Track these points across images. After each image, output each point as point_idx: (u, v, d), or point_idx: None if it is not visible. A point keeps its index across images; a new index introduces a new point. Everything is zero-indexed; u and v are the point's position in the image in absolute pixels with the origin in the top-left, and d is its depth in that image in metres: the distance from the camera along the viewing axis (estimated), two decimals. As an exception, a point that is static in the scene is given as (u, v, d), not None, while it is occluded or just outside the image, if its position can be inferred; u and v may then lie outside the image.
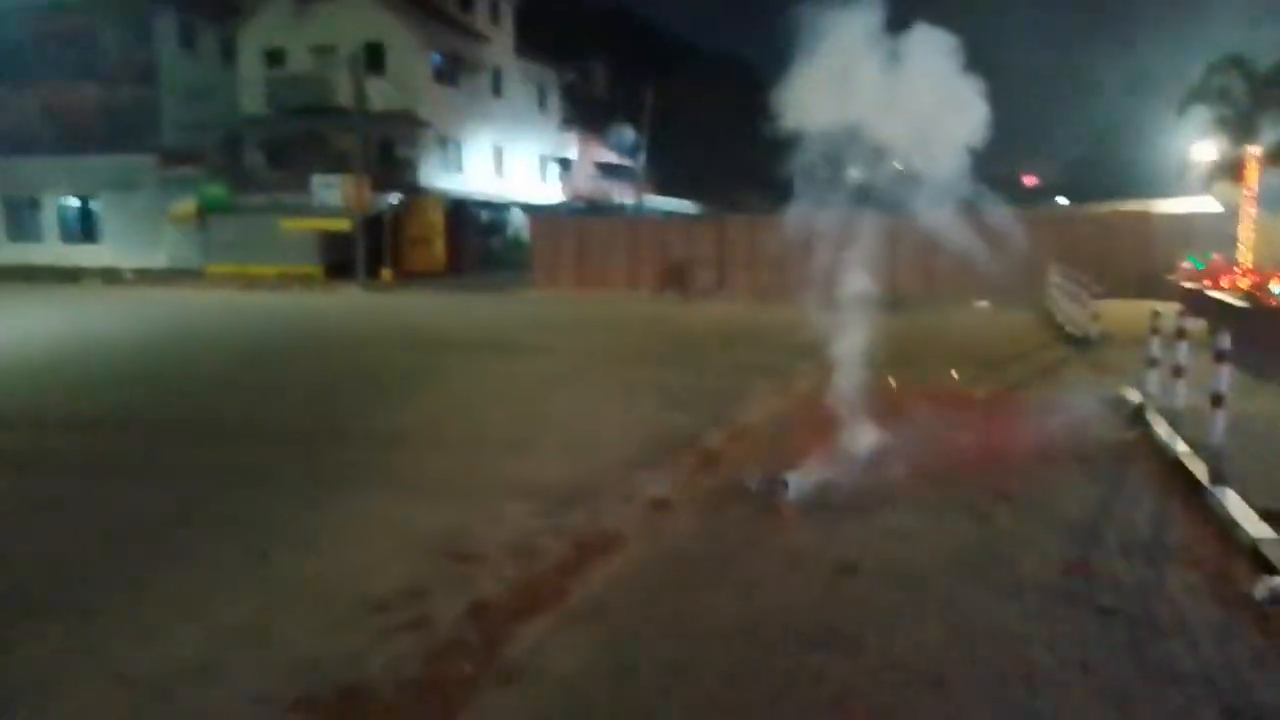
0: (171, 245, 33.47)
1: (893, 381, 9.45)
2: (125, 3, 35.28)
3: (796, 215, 7.41)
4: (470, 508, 5.98)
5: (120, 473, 7.05)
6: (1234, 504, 5.54)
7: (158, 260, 33.54)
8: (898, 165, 8.29)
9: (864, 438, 6.99)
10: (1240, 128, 18.34)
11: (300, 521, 5.76)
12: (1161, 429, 7.55)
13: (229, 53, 35.61)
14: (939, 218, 8.35)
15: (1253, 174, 17.97)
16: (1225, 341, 6.48)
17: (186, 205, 32.05)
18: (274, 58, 34.21)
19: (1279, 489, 5.74)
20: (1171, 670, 3.72)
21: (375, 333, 17.39)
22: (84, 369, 12.56)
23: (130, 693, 3.65)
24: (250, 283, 29.14)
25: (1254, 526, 5.12)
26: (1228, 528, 5.27)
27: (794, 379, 10.42)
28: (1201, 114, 18.77)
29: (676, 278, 26.43)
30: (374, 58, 32.17)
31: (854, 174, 9.24)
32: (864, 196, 8.63)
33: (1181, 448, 6.92)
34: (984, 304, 19.77)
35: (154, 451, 7.78)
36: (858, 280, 8.35)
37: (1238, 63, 18.19)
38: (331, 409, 9.69)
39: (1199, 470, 6.28)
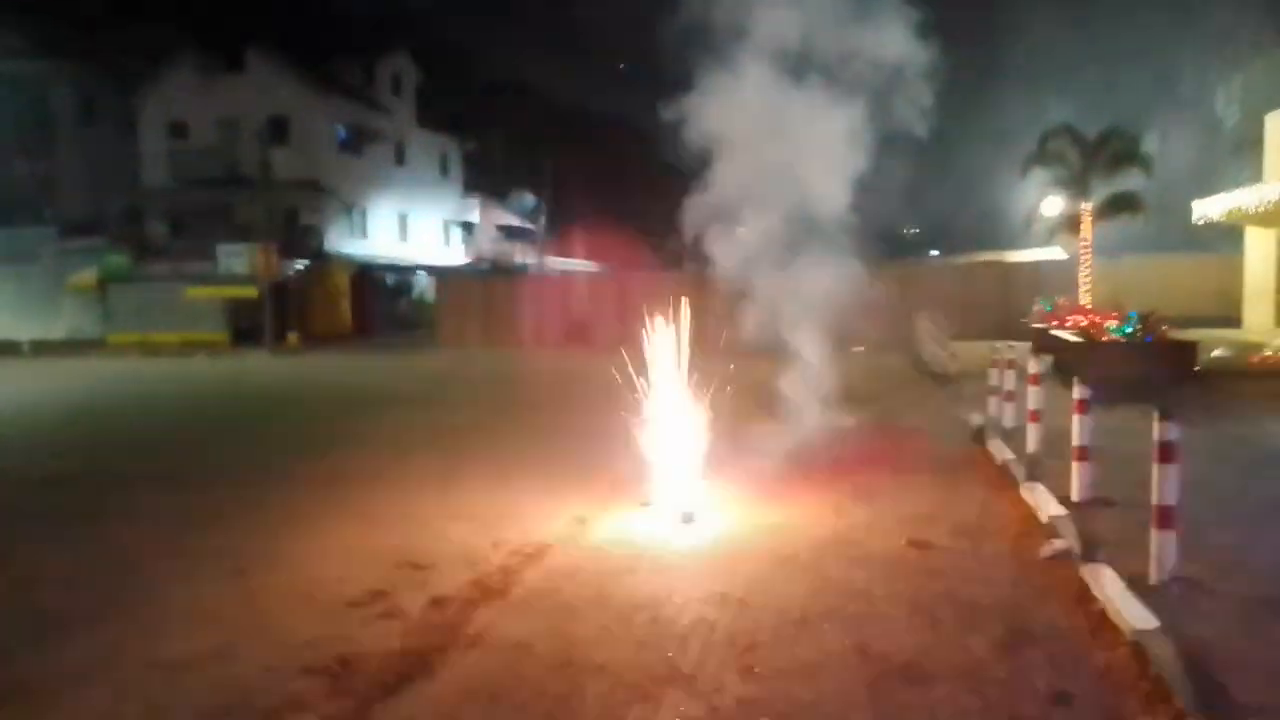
0: (70, 316, 33.03)
1: (767, 413, 10.77)
2: (22, 77, 35.09)
3: (691, 271, 8.71)
4: (416, 530, 6.93)
5: (102, 518, 7.71)
6: (1040, 494, 6.96)
7: (56, 331, 32.98)
8: (743, 231, 9.60)
9: (754, 459, 8.23)
10: (1075, 186, 20.80)
11: (268, 547, 6.60)
12: (994, 443, 9.06)
13: (130, 124, 35.64)
14: (820, 273, 9.76)
15: (1087, 227, 20.39)
16: (1043, 368, 8.04)
17: (87, 275, 31.79)
18: (177, 130, 34.48)
19: (1076, 485, 7.18)
20: (975, 604, 4.99)
21: (293, 392, 17.95)
22: (23, 435, 12.88)
23: (161, 673, 4.51)
24: (154, 351, 29.04)
25: (1052, 508, 6.52)
26: (1033, 511, 6.67)
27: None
28: (1041, 174, 21.22)
29: (579, 333, 27.63)
30: (279, 129, 32.85)
31: (742, 232, 10.56)
32: (754, 253, 9.96)
33: (1008, 456, 8.40)
34: (860, 349, 21.58)
35: (124, 500, 8.42)
36: (750, 330, 9.67)
37: (1069, 130, 20.74)
38: (271, 458, 10.43)
39: (1019, 472, 7.74)
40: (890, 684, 4.07)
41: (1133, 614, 4.40)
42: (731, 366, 8.32)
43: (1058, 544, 5.75)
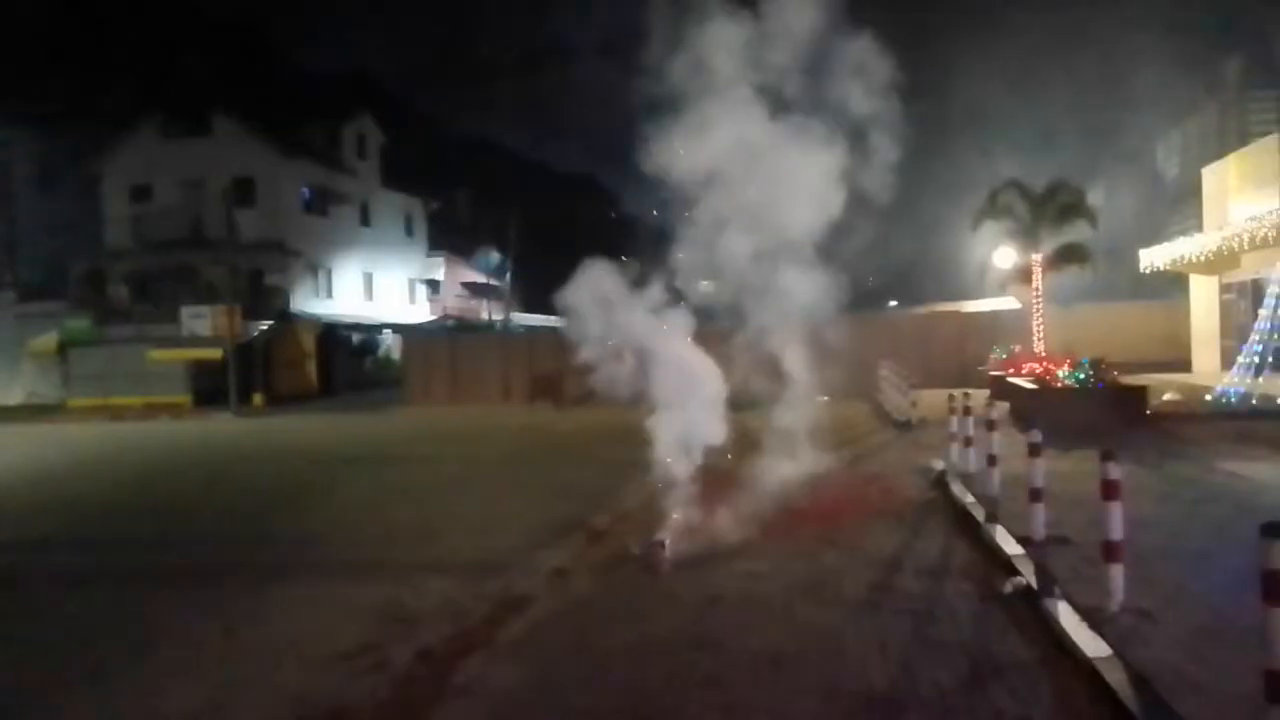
0: (29, 380, 32.58)
1: (736, 463, 11.03)
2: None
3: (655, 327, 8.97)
4: (399, 584, 7.05)
5: (87, 583, 7.71)
6: (1000, 535, 7.27)
7: (13, 396, 32.50)
8: (706, 285, 9.84)
9: (725, 508, 8.47)
10: (1025, 237, 21.55)
11: (254, 605, 6.69)
12: (956, 487, 9.39)
13: (90, 187, 35.60)
14: (785, 327, 10.06)
15: (1037, 277, 21.12)
16: (999, 415, 8.39)
17: (47, 340, 31.47)
18: (140, 193, 34.48)
19: (1033, 525, 7.50)
20: (940, 641, 5.24)
21: (262, 454, 17.88)
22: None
23: (156, 730, 4.60)
24: (118, 415, 28.69)
25: (1011, 548, 6.82)
26: (994, 551, 6.97)
27: (663, 470, 11.86)
28: (992, 227, 21.97)
29: (547, 388, 27.80)
30: (243, 191, 32.97)
31: (706, 288, 10.85)
32: (715, 310, 10.25)
33: (969, 499, 8.73)
34: (824, 399, 22.00)
35: (106, 563, 8.43)
36: (716, 384, 9.91)
37: (1016, 185, 21.55)
38: (248, 519, 10.47)
39: (979, 514, 8.05)
40: (862, 715, 4.29)
41: (1087, 643, 4.68)
42: (703, 420, 8.61)
43: (1017, 581, 6.04)
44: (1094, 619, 5.02)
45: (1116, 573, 5.15)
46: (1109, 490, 5.16)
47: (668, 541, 7.53)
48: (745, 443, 10.60)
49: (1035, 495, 6.64)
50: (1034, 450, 6.65)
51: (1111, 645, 4.60)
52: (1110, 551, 5.14)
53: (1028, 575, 6.02)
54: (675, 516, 8.24)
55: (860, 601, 6.07)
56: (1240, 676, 3.96)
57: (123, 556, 8.73)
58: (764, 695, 4.62)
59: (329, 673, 5.22)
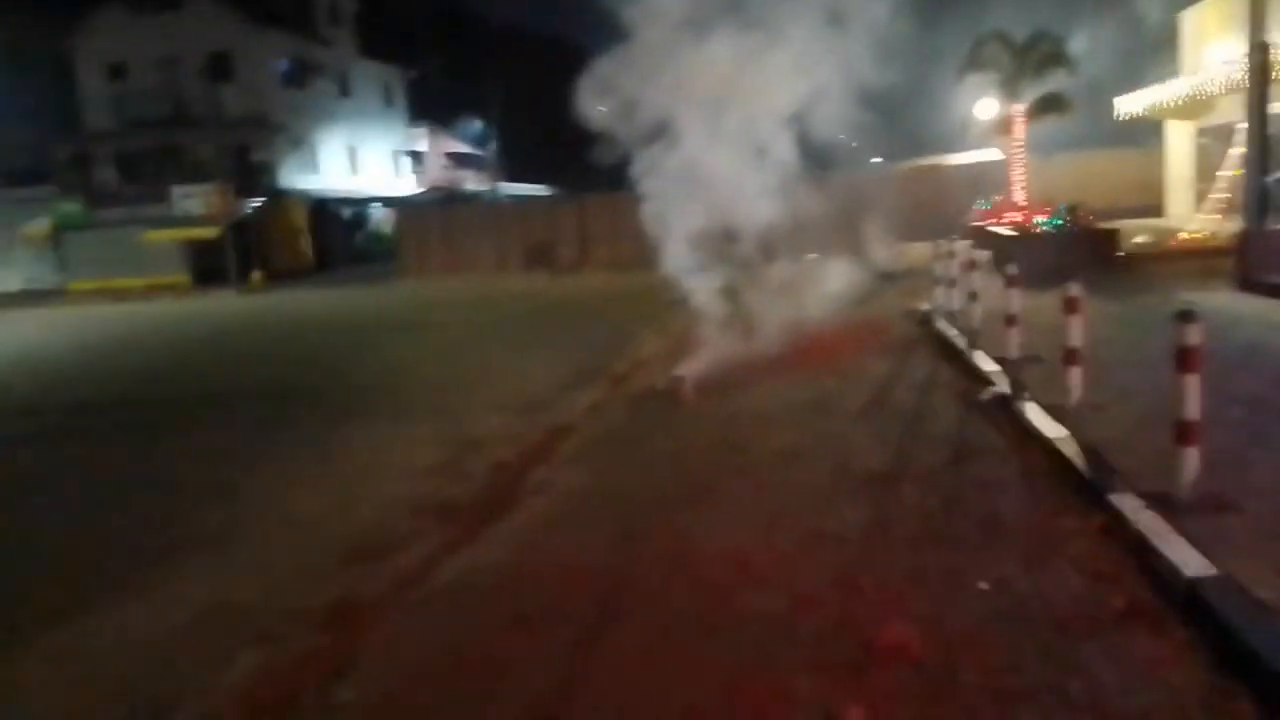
0: (25, 267, 32.90)
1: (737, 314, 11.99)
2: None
3: (649, 190, 9.59)
4: (460, 421, 8.07)
5: (192, 430, 8.74)
6: (980, 358, 8.32)
7: (11, 283, 32.88)
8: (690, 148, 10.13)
9: (732, 350, 9.46)
10: (1007, 89, 21.97)
11: (339, 438, 7.73)
12: (941, 323, 10.42)
13: (65, 70, 34.89)
14: (770, 187, 10.68)
15: (1019, 128, 21.69)
16: (979, 257, 9.32)
17: (40, 226, 31.63)
18: (116, 71, 33.89)
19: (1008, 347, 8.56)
20: (928, 435, 6.33)
21: (281, 326, 18.73)
22: (51, 373, 13.65)
23: (297, 527, 5.65)
24: (118, 296, 29.27)
25: (989, 366, 7.88)
26: (974, 370, 8.03)
27: (668, 324, 12.83)
28: (976, 79, 22.33)
29: (542, 256, 28.51)
30: (221, 66, 32.54)
31: (690, 149, 11.25)
32: (705, 171, 10.80)
33: (953, 332, 9.76)
34: (813, 256, 22.87)
35: (210, 415, 9.43)
36: (706, 246, 10.63)
37: (1000, 36, 21.82)
38: (296, 379, 11.45)
39: (961, 342, 9.09)
40: (866, 486, 5.38)
41: (1049, 429, 5.75)
42: (699, 276, 9.50)
43: (993, 389, 7.11)
44: (1056, 413, 6.09)
45: (1075, 375, 6.19)
46: (1070, 306, 6.14)
47: (688, 376, 8.54)
48: (744, 297, 11.55)
49: (1010, 320, 7.63)
50: (1010, 281, 7.60)
51: (1068, 429, 5.68)
52: (1069, 357, 6.17)
53: (1002, 385, 7.08)
54: (690, 358, 9.23)
55: (860, 412, 7.16)
56: (1165, 443, 5.03)
57: (214, 411, 9.74)
58: (786, 477, 5.71)
59: (424, 481, 6.28)
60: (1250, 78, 12.58)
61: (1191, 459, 4.24)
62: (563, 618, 3.96)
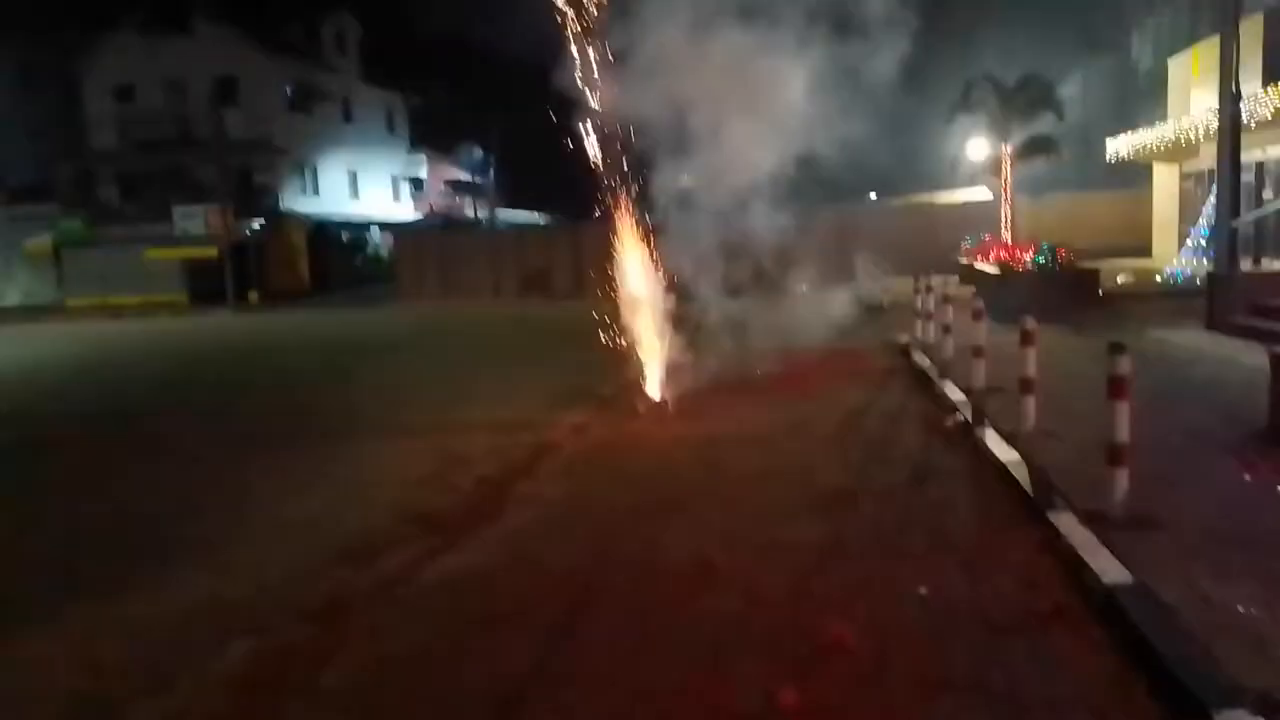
0: (25, 282, 33.26)
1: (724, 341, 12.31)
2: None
3: (641, 219, 9.93)
4: (449, 437, 8.39)
5: (185, 440, 9.03)
6: (949, 388, 8.67)
7: (9, 298, 33.23)
8: (686, 180, 10.54)
9: (718, 374, 9.81)
10: (997, 130, 22.56)
11: (332, 452, 8.04)
12: (917, 354, 10.78)
13: (72, 89, 35.47)
14: (765, 221, 11.03)
15: (1006, 169, 22.23)
16: (957, 294, 9.67)
17: (42, 242, 32.04)
18: (123, 93, 34.47)
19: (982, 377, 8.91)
20: (891, 458, 6.67)
21: (274, 345, 19.08)
22: (47, 389, 13.94)
23: (289, 529, 5.95)
24: (115, 313, 29.62)
25: (956, 395, 8.23)
26: (942, 399, 8.37)
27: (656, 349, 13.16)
28: (966, 120, 22.93)
29: (538, 283, 28.94)
30: (226, 90, 33.11)
31: (685, 181, 11.62)
32: (698, 203, 11.15)
33: (927, 363, 10.12)
34: (804, 288, 23.31)
35: (186, 430, 9.73)
36: (706, 274, 10.96)
37: (989, 79, 22.42)
38: (290, 397, 11.76)
39: (934, 373, 9.45)
40: (827, 503, 5.70)
41: (1003, 454, 6.09)
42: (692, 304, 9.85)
43: (956, 417, 7.45)
44: (1011, 438, 6.43)
45: (1028, 403, 6.54)
46: (1026, 339, 6.51)
47: (670, 399, 8.88)
48: (738, 326, 11.91)
49: (977, 352, 8.00)
50: (977, 315, 7.99)
51: (1020, 453, 6.01)
52: (1024, 386, 6.52)
53: (966, 414, 7.42)
54: (674, 382, 9.57)
55: (830, 436, 7.49)
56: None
57: (207, 426, 10.03)
58: (756, 495, 6.03)
59: (410, 491, 6.58)
60: (1220, 126, 13.05)
61: (1122, 479, 4.58)
62: (534, 614, 4.27)
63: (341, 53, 40.08)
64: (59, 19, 34.81)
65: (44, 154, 35.49)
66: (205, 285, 31.31)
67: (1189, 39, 32.29)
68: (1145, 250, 25.62)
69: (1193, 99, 22.90)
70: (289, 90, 35.89)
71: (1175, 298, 16.17)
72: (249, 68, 34.11)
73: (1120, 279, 18.74)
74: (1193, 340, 11.05)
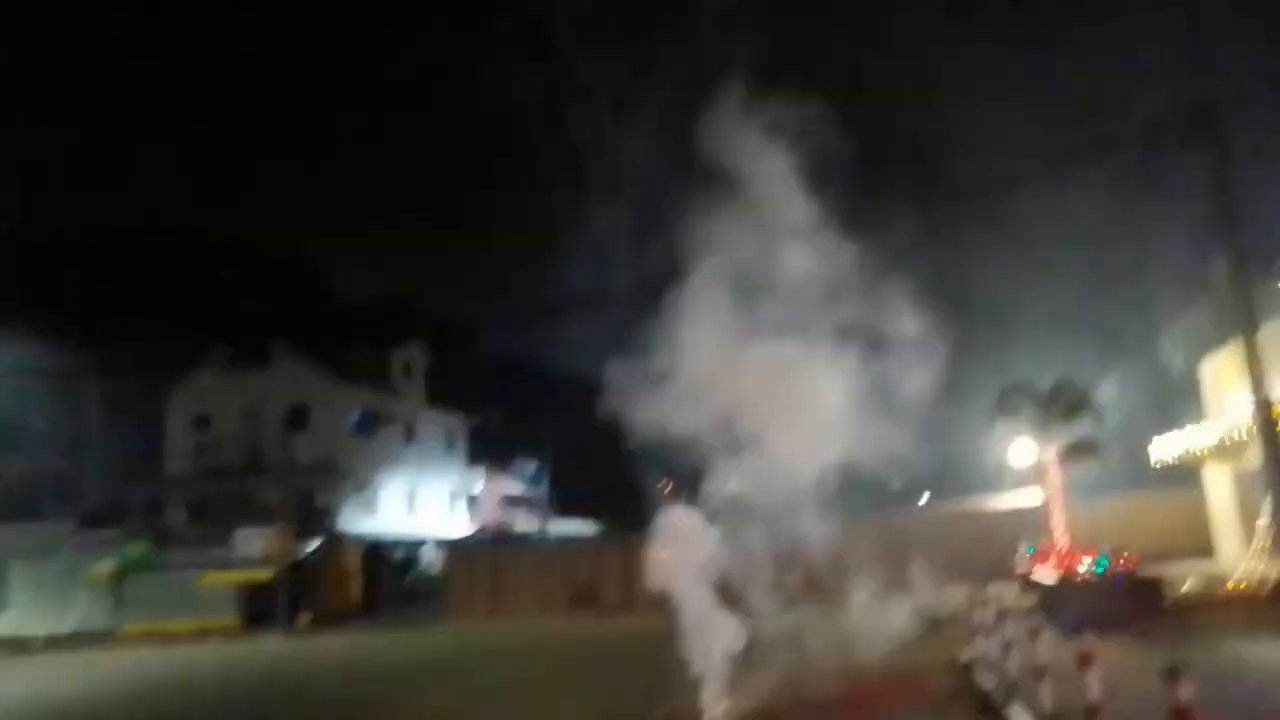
0: (82, 608, 33.60)
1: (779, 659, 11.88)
2: (51, 379, 37.97)
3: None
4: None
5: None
6: (1016, 711, 8.24)
7: (64, 625, 33.41)
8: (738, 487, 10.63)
9: (769, 697, 9.47)
10: (1038, 434, 22.87)
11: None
12: (980, 674, 10.33)
13: (153, 418, 38.09)
14: (817, 532, 11.01)
15: (1052, 474, 22.28)
16: (1019, 607, 9.49)
17: (105, 567, 32.78)
18: (200, 422, 36.89)
19: (1049, 701, 8.49)
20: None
21: (324, 672, 18.74)
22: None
23: None
24: (167, 640, 29.46)
25: (1024, 722, 7.82)
26: (1010, 727, 7.95)
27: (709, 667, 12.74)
28: (1005, 425, 23.35)
29: (587, 597, 28.52)
30: (298, 417, 35.29)
31: (735, 488, 11.65)
32: (749, 513, 11.21)
33: (991, 683, 9.68)
34: (859, 598, 22.62)
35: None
36: (758, 583, 10.81)
37: (1022, 387, 23.13)
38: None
39: (999, 696, 9.02)
40: None
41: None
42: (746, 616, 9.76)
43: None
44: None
45: (1098, 732, 6.23)
46: (1084, 660, 6.33)
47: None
48: (786, 639, 11.63)
49: (1040, 673, 7.71)
50: (1033, 634, 7.79)
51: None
52: (1091, 714, 6.24)
53: (1036, 743, 7.03)
54: (726, 705, 9.24)
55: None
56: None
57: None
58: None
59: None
60: (1260, 436, 13.18)
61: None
62: None
63: (408, 379, 42.90)
64: (150, 358, 38.14)
65: (118, 480, 37.37)
66: (258, 607, 31.32)
67: (1217, 339, 33.40)
68: (1206, 551, 24.76)
69: (1229, 397, 23.18)
70: (356, 416, 38.09)
71: (1247, 606, 15.46)
72: (320, 396, 36.54)
73: (1185, 588, 18.06)
74: (1271, 655, 10.48)
